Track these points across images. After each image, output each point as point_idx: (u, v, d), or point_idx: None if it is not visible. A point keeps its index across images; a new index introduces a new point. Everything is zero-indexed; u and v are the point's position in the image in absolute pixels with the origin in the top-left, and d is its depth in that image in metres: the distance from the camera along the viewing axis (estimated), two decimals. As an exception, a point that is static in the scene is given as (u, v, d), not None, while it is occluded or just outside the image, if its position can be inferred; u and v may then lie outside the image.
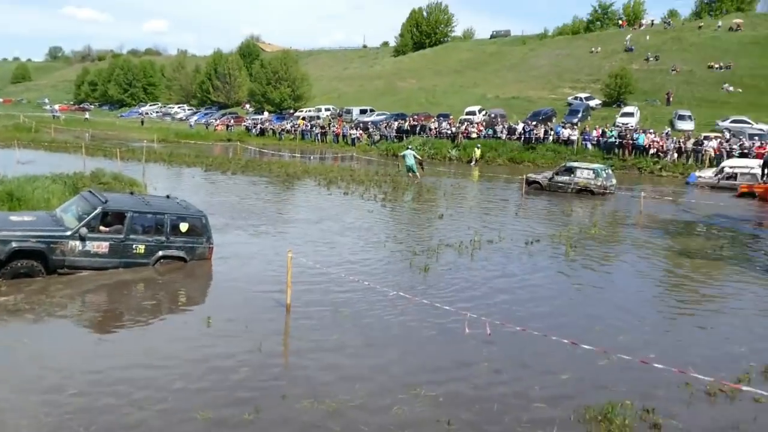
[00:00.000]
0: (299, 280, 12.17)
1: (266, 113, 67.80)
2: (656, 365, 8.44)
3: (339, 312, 11.18)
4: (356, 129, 51.78)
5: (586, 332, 10.52)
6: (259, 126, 59.49)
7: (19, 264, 11.88)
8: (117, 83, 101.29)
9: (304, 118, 59.58)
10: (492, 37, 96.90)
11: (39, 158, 33.84)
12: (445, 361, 9.35)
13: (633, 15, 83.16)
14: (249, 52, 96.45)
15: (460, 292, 12.69)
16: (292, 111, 68.14)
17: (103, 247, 12.67)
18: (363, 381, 8.59)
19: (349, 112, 61.86)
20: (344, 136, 51.46)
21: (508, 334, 9.94)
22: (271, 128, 58.86)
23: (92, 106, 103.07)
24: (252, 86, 75.87)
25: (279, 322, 10.79)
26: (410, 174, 31.11)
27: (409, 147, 37.67)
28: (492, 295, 12.62)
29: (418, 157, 33.06)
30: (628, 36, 70.30)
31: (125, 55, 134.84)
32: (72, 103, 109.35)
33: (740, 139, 36.55)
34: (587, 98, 54.73)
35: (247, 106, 77.52)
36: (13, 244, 11.78)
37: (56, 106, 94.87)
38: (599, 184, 26.67)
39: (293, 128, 56.25)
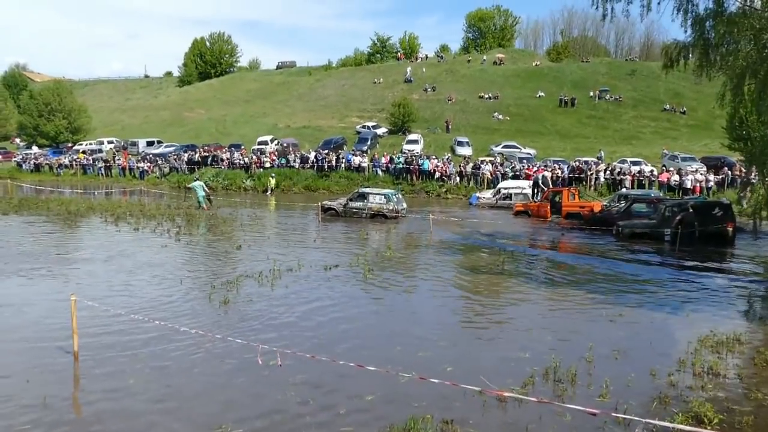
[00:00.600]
0: (89, 325, 11.31)
1: (35, 147, 62.41)
2: (436, 381, 8.88)
3: (134, 355, 10.51)
4: (144, 161, 49.43)
5: (388, 351, 10.86)
6: (32, 161, 54.55)
7: None
8: None
9: (84, 152, 55.68)
10: (278, 67, 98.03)
11: None
12: (248, 395, 9.12)
13: (409, 49, 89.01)
14: (15, 82, 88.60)
15: (261, 324, 12.48)
16: (70, 144, 63.38)
17: None
18: (164, 427, 8.12)
19: (134, 144, 59.03)
20: (131, 169, 48.97)
21: (301, 363, 9.90)
22: (47, 163, 54.26)
23: None
24: (21, 119, 69.47)
25: (67, 371, 9.89)
26: (202, 206, 30.43)
27: (197, 178, 36.89)
28: (290, 325, 12.53)
29: (206, 189, 32.43)
30: (408, 68, 74.80)
31: None
32: None
33: (512, 162, 40.37)
34: (374, 126, 57.18)
35: (17, 140, 70.82)
36: None
37: None
38: (391, 208, 27.86)
39: (73, 163, 52.31)
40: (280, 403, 8.81)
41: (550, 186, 32.40)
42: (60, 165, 52.88)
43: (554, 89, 63.91)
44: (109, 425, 8.14)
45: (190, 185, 34.34)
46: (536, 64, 75.07)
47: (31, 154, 58.21)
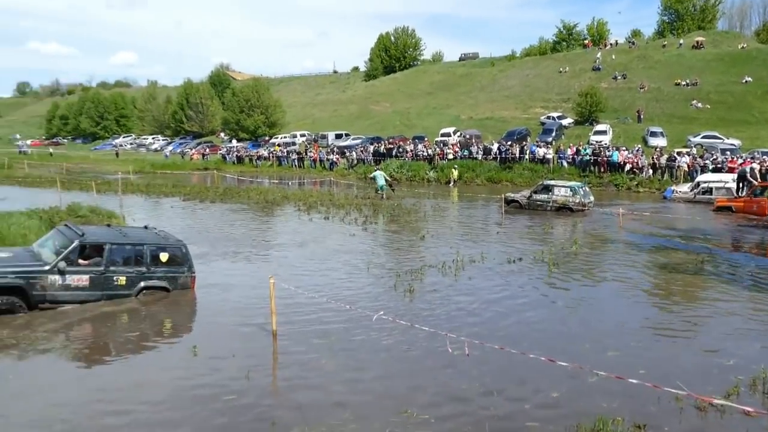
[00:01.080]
0: (284, 306, 12.07)
1: (234, 141, 67.91)
2: (635, 381, 8.45)
3: (326, 337, 11.12)
4: (333, 153, 51.89)
5: (574, 348, 10.56)
6: (235, 154, 59.38)
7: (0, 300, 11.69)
8: (88, 116, 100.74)
9: (279, 145, 59.61)
10: (461, 59, 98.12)
11: (13, 194, 33.37)
12: (433, 382, 9.30)
13: (597, 35, 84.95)
14: (220, 81, 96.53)
15: (445, 313, 12.68)
16: (267, 138, 68.15)
17: (83, 280, 12.51)
18: (353, 405, 8.52)
19: (324, 137, 62.09)
20: (321, 160, 51.51)
21: (496, 355, 9.89)
22: (247, 155, 58.80)
23: (65, 141, 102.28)
24: (225, 114, 75.83)
25: (265, 348, 10.70)
26: (380, 193, 31.74)
27: (378, 168, 38.34)
28: (475, 315, 12.61)
29: (388, 178, 33.65)
30: (597, 55, 71.53)
31: (95, 88, 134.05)
32: (44, 137, 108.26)
33: (712, 153, 37.23)
34: (559, 117, 55.49)
35: (222, 134, 77.38)
36: (-8, 281, 11.61)
37: (28, 142, 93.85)
38: (577, 201, 26.93)
39: (270, 155, 56.21)
40: (465, 392, 8.90)
41: (758, 179, 29.44)
42: (258, 157, 57.01)
43: (764, 74, 57.93)
44: (302, 400, 8.68)
45: (371, 174, 35.79)
46: (742, 47, 68.33)
47: (233, 147, 63.36)
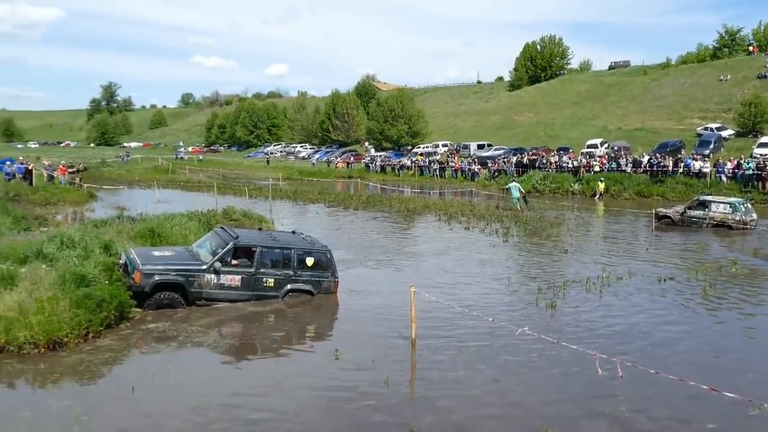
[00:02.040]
0: (423, 315, 12.12)
1: (372, 150, 69.54)
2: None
3: (464, 347, 11.04)
4: (474, 164, 51.64)
5: (732, 378, 9.78)
6: (378, 163, 60.66)
7: (162, 296, 12.63)
8: (243, 125, 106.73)
9: (421, 154, 60.16)
10: (611, 68, 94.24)
11: (175, 197, 36.04)
12: (575, 400, 8.98)
13: (765, 40, 78.40)
14: (365, 91, 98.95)
15: (588, 331, 12.20)
16: (409, 147, 69.04)
17: (235, 280, 13.24)
18: (492, 417, 8.42)
19: (466, 147, 61.97)
20: (463, 171, 51.40)
21: (640, 377, 9.37)
22: (389, 164, 59.87)
23: (222, 148, 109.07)
24: (370, 124, 77.68)
25: (404, 356, 10.79)
26: (517, 206, 31.22)
27: (514, 180, 37.69)
28: (623, 335, 12.04)
29: (522, 190, 32.87)
30: (767, 61, 66.07)
31: (250, 98, 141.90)
32: (203, 145, 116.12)
33: None
34: (718, 128, 51.76)
35: (366, 143, 79.30)
36: (156, 277, 12.56)
37: (189, 149, 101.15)
38: (738, 218, 25.02)
39: (412, 164, 56.86)
40: (613, 414, 8.51)
41: None
42: (401, 166, 57.88)
43: None
44: (441, 410, 8.65)
45: (506, 186, 35.28)
46: None
47: (377, 156, 64.75)
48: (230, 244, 13.31)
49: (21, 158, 43.06)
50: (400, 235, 24.75)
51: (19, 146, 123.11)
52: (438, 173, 53.32)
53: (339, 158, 68.75)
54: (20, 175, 36.06)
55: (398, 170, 57.39)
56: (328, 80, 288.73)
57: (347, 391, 9.20)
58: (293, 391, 9.20)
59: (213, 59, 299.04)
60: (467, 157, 56.21)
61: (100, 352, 10.36)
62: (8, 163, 40.00)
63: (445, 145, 66.36)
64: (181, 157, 79.78)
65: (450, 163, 54.01)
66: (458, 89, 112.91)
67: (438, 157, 58.22)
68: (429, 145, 67.65)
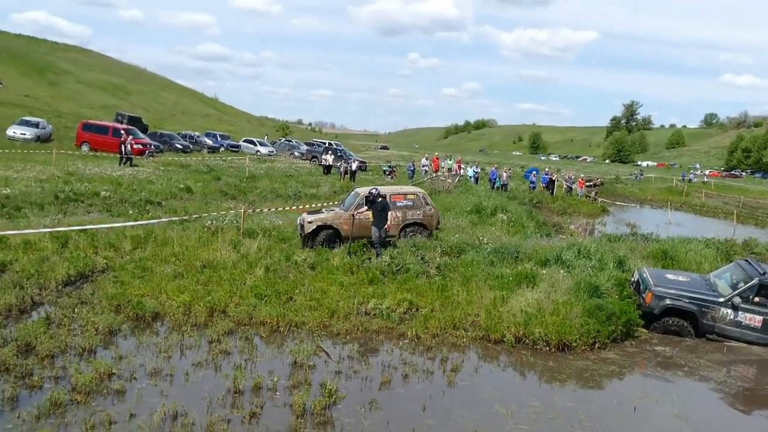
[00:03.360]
0: None
1: None
2: None
3: None
4: None
5: None
6: None
7: (670, 321, 12.24)
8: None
9: None
10: None
11: (688, 221, 34.59)
12: None
13: None
14: None
15: None
16: None
17: (755, 320, 11.99)
18: None
19: None
20: None
21: None
22: None
23: (744, 174, 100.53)
24: None
25: None
26: None
27: None
28: None
29: None
30: None
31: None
32: (722, 168, 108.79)
33: None
34: None
35: None
36: (667, 301, 12.22)
37: (707, 172, 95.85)
38: None
39: None
40: None
41: None
42: None
43: None
44: None
45: None
46: None
47: None
48: (755, 280, 12.08)
49: (547, 169, 46.95)
50: None
51: (542, 158, 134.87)
52: None
53: None
54: (543, 185, 39.41)
55: None
56: None
57: None
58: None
59: (745, 77, 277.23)
60: None
61: (605, 363, 10.58)
62: (534, 173, 44.09)
63: None
64: (690, 180, 75.96)
65: None
66: None
67: None
68: None
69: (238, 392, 8.11)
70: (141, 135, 39.70)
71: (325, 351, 9.85)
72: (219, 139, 55.06)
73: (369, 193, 16.45)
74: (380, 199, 16.03)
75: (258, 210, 19.88)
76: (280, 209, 20.35)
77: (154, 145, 39.99)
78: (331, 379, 8.64)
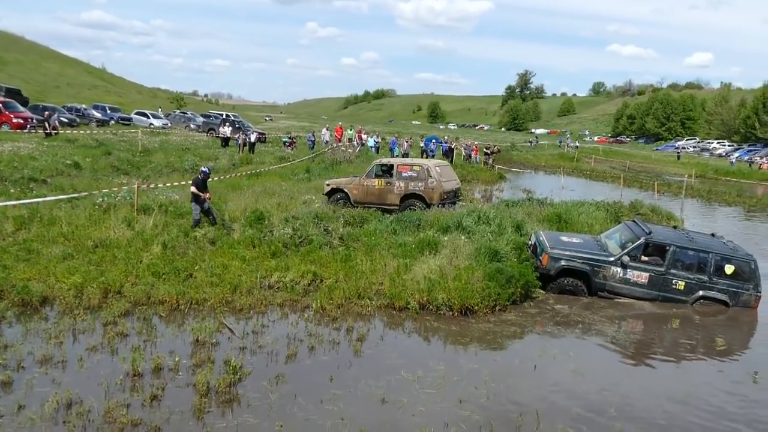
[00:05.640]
0: None
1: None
2: None
3: None
4: None
5: None
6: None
7: (565, 281, 12.76)
8: (655, 117, 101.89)
9: None
10: None
11: (579, 185, 36.10)
12: None
13: None
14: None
15: None
16: None
17: (642, 277, 12.67)
18: None
19: None
20: None
21: None
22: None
23: (628, 139, 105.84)
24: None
25: None
26: None
27: None
28: None
29: None
30: None
31: (665, 89, 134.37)
32: (609, 135, 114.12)
33: None
34: None
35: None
36: (562, 263, 12.71)
37: (595, 138, 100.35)
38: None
39: None
40: None
41: None
42: None
43: None
44: None
45: None
46: None
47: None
48: (642, 239, 12.76)
49: (446, 137, 47.64)
50: None
51: (441, 127, 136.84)
52: None
53: (764, 159, 60.99)
54: (443, 153, 40.05)
55: None
56: (759, 71, 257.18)
57: (765, 422, 8.10)
58: (705, 407, 8.43)
59: (630, 48, 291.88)
60: None
61: (506, 325, 10.91)
62: (433, 141, 44.67)
63: None
64: (567, 145, 78.02)
65: None
66: None
67: None
68: None
69: (138, 375, 7.80)
70: (21, 108, 37.22)
71: (228, 327, 9.64)
72: (108, 111, 52.29)
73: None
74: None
75: (153, 185, 19.11)
76: (176, 184, 19.61)
77: (67, 119, 38.10)
78: (235, 355, 8.45)
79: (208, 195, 14.71)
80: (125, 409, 6.98)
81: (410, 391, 8.04)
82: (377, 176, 19.29)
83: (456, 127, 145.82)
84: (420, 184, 18.55)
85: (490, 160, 40.29)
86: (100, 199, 15.76)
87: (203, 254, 12.68)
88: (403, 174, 18.81)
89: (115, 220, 13.97)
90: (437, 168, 19.20)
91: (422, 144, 43.07)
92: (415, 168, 18.90)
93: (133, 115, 52.87)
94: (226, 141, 39.10)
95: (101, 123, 46.65)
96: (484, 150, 42.28)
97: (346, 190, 19.38)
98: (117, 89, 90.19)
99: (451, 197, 19.27)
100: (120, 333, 9.06)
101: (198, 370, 8.03)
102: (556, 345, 10.25)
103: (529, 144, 76.21)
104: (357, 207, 18.38)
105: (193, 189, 14.55)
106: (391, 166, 19.20)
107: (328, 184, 19.85)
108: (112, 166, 24.53)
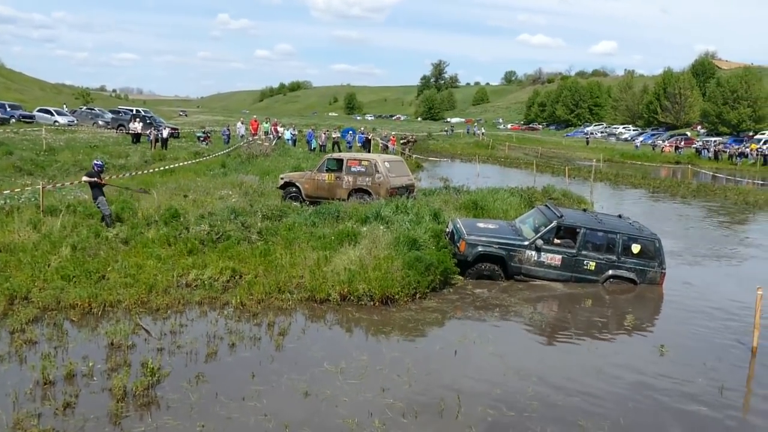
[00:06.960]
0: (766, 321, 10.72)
1: (705, 134, 62.60)
2: None
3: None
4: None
5: None
6: (711, 149, 55.15)
7: (483, 266, 13.06)
8: (564, 104, 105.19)
9: (766, 142, 53.16)
10: None
11: (494, 172, 36.95)
12: None
13: None
14: (703, 70, 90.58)
15: None
16: (751, 134, 61.49)
17: (555, 259, 13.10)
18: None
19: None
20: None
21: None
22: (724, 151, 54.05)
23: (540, 126, 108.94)
24: (705, 106, 70.86)
25: (741, 366, 9.66)
26: None
27: None
28: None
29: None
30: None
31: (573, 77, 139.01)
32: (522, 123, 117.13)
33: None
34: None
35: (698, 127, 72.66)
36: (479, 248, 13.00)
37: (509, 125, 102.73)
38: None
39: (757, 153, 50.27)
40: None
41: None
42: (740, 154, 51.90)
43: None
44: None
45: None
46: None
47: (711, 141, 58.91)
48: (554, 223, 13.19)
49: (362, 129, 47.73)
50: (738, 229, 22.23)
51: (357, 118, 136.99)
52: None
53: (666, 142, 64.14)
54: (360, 144, 40.12)
55: (736, 158, 51.50)
56: (659, 58, 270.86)
57: (666, 393, 8.52)
58: (614, 381, 8.80)
59: (539, 37, 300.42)
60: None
61: (426, 312, 11.07)
62: (350, 132, 44.68)
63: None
64: (474, 133, 79.71)
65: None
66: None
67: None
68: (775, 131, 59.58)
69: (48, 383, 7.48)
70: None
71: (144, 328, 9.37)
72: (8, 109, 49.64)
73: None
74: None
75: (60, 185, 18.32)
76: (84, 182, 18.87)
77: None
78: (153, 357, 8.22)
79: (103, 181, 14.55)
80: (36, 419, 6.69)
81: (333, 382, 8.05)
82: (328, 171, 19.17)
83: (373, 118, 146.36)
84: (368, 179, 18.47)
85: (407, 150, 40.66)
86: (2, 202, 15.01)
87: (116, 254, 12.27)
88: (352, 169, 18.70)
89: (19, 223, 13.32)
90: (386, 163, 19.12)
91: (337, 135, 42.93)
92: (363, 163, 18.82)
93: (35, 113, 50.44)
94: (137, 137, 37.87)
95: (0, 122, 44.29)
96: (401, 140, 42.61)
97: (298, 185, 19.33)
98: (17, 86, 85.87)
99: (402, 192, 18.78)
100: (28, 340, 8.66)
101: (113, 374, 7.77)
102: (475, 329, 10.47)
103: (445, 133, 77.31)
104: (306, 201, 18.79)
105: (85, 178, 14.21)
106: (341, 160, 19.09)
107: (282, 178, 19.95)
108: (15, 167, 23.36)
